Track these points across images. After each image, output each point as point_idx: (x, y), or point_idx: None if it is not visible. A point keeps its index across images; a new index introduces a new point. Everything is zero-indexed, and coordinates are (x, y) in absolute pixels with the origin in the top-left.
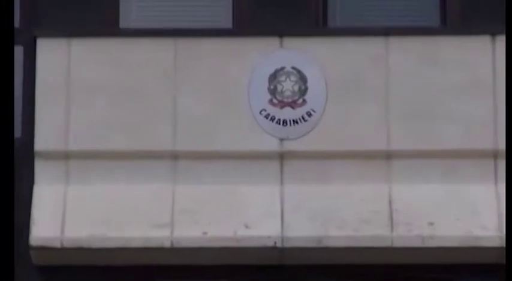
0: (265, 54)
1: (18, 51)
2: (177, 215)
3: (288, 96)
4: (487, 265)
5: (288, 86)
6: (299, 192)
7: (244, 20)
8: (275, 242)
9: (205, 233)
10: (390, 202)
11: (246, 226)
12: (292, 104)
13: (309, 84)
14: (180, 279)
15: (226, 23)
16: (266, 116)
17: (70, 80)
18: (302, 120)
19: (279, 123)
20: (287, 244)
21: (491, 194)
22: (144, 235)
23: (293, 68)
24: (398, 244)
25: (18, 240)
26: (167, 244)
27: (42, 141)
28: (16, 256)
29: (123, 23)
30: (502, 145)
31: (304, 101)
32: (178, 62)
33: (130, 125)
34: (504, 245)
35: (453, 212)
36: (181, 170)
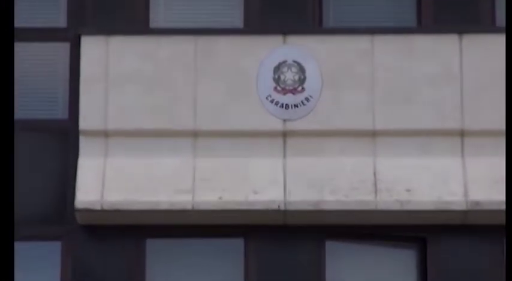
0: (270, 50)
1: (65, 47)
2: (197, 183)
3: (289, 85)
4: (455, 226)
5: (290, 76)
6: (299, 164)
7: (253, 21)
8: (279, 206)
9: (220, 198)
10: (375, 173)
11: (255, 192)
12: (293, 91)
13: (307, 74)
14: (199, 237)
15: (238, 23)
16: (271, 101)
17: (108, 71)
18: (301, 104)
19: (282, 107)
20: (289, 207)
21: (459, 166)
22: (169, 199)
23: (294, 61)
24: (381, 207)
25: (66, 204)
26: (189, 207)
27: (85, 121)
28: (64, 217)
29: (153, 23)
30: (467, 125)
31: (303, 88)
32: (198, 55)
33: (157, 108)
34: (469, 208)
35: (427, 181)
36: (200, 145)
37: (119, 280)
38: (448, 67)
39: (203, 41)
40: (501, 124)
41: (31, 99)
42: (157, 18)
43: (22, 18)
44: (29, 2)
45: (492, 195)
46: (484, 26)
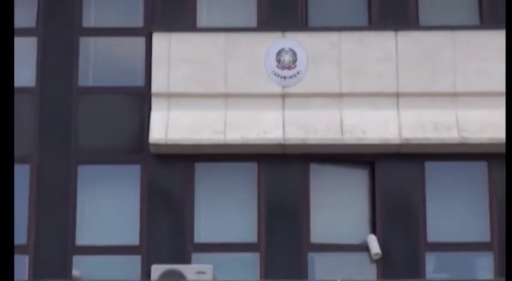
0: (274, 41)
1: (142, 40)
2: (227, 126)
3: (286, 64)
4: (392, 154)
5: (286, 58)
6: (292, 114)
7: (262, 22)
8: (280, 141)
9: (242, 136)
10: (341, 120)
11: (264, 132)
12: (289, 68)
13: (297, 57)
14: (229, 161)
15: (253, 24)
16: (274, 74)
17: (169, 55)
18: (294, 76)
19: (282, 78)
20: (286, 142)
21: (395, 115)
22: (209, 137)
23: (289, 48)
24: (345, 142)
25: (144, 140)
26: (221, 142)
27: (155, 88)
28: (142, 149)
29: (198, 24)
30: (401, 89)
31: (295, 66)
32: (227, 45)
33: (201, 79)
34: (402, 142)
35: (375, 126)
36: (229, 103)
37: (176, 191)
38: (388, 52)
39: (230, 35)
40: (424, 87)
41: (122, 74)
42: (201, 20)
43: (112, 21)
44: (117, 10)
45: (417, 134)
46: (412, 25)
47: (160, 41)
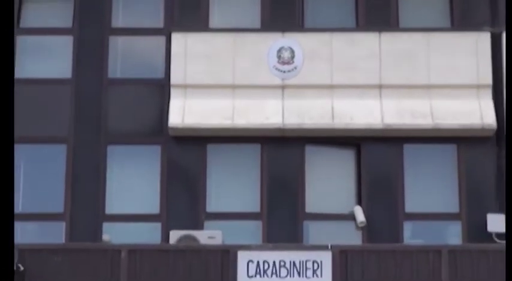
0: (275, 40)
1: (162, 39)
2: (234, 112)
3: (285, 59)
4: (377, 137)
5: (286, 54)
6: (291, 103)
7: (265, 24)
8: (280, 126)
9: (247, 121)
10: (332, 108)
11: (266, 118)
12: (288, 63)
13: (295, 54)
14: (236, 143)
15: (257, 25)
16: (276, 69)
17: (186, 51)
18: (292, 70)
19: (281, 72)
20: (285, 127)
21: (378, 104)
22: (219, 122)
23: (288, 46)
24: (335, 127)
25: (163, 123)
26: (230, 126)
27: (174, 80)
28: (162, 131)
29: (211, 25)
30: (384, 82)
31: (293, 61)
32: (235, 44)
33: (211, 72)
34: (384, 128)
35: (362, 113)
36: (236, 93)
37: (191, 168)
38: (373, 50)
39: (237, 35)
40: (403, 80)
41: (145, 68)
42: (213, 22)
43: (136, 22)
44: (140, 13)
45: (397, 120)
46: (393, 27)
47: (178, 39)
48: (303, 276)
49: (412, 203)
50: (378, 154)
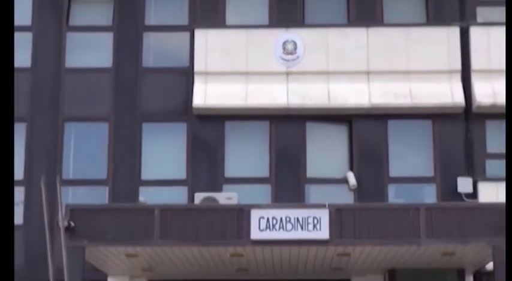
0: (281, 35)
1: (187, 35)
2: (248, 95)
3: (289, 50)
4: (365, 115)
5: (290, 46)
6: (294, 87)
7: (273, 21)
8: (285, 106)
9: (259, 103)
10: (329, 91)
11: (273, 99)
12: (291, 53)
13: (297, 46)
14: (249, 120)
15: (265, 22)
16: (281, 58)
17: (207, 45)
18: (295, 60)
19: (286, 61)
20: (290, 107)
21: (366, 87)
22: (236, 103)
23: (291, 40)
24: (331, 106)
25: (188, 104)
26: (244, 106)
27: (197, 68)
28: (187, 111)
29: (227, 22)
30: (371, 69)
31: (296, 52)
32: (248, 39)
33: (228, 61)
34: (372, 107)
35: (353, 94)
36: (250, 79)
37: (212, 141)
38: (361, 42)
39: (250, 31)
40: (387, 67)
41: (173, 58)
42: (229, 20)
43: (166, 20)
44: (169, 12)
45: (382, 100)
46: (378, 23)
47: (200, 35)
48: (305, 229)
49: (395, 169)
50: (366, 129)
